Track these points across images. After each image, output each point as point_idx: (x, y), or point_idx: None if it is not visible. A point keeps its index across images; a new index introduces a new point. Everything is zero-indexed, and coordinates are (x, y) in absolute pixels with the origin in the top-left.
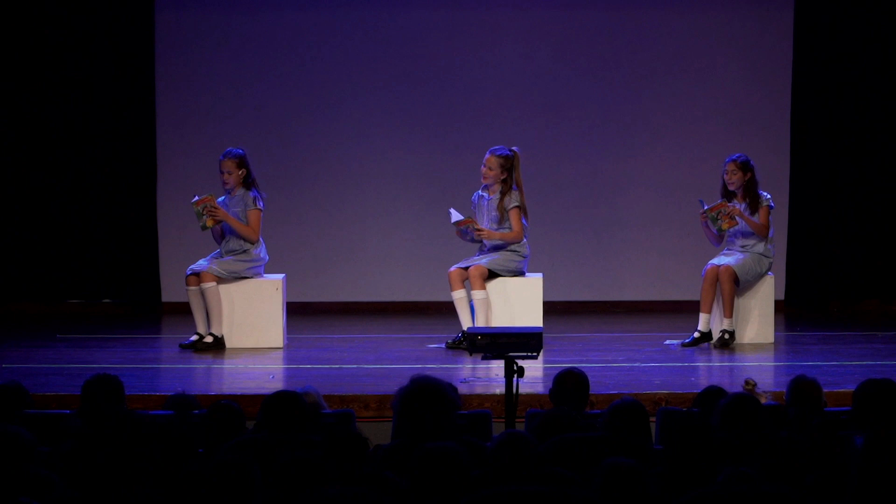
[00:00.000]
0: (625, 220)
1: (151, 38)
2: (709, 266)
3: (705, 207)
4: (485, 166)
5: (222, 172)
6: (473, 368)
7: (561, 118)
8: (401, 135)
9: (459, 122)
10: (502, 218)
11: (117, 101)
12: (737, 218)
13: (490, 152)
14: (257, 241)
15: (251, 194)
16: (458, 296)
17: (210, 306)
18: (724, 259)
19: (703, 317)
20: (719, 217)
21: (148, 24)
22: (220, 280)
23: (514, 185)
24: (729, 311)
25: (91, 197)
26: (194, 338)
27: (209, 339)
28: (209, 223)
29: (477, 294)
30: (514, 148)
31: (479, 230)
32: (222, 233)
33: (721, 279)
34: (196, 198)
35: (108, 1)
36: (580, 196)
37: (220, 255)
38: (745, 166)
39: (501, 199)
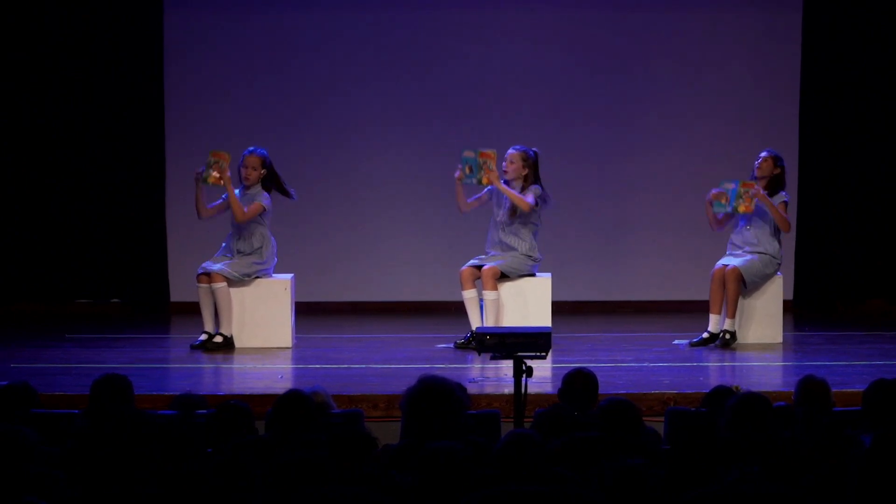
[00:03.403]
0: (633, 221)
1: (160, 37)
2: (717, 267)
3: (735, 184)
4: (506, 161)
5: (245, 167)
6: (482, 368)
7: (569, 118)
8: (409, 134)
9: (467, 121)
10: (514, 213)
11: (126, 100)
12: (755, 204)
13: (513, 148)
14: (242, 221)
15: (263, 194)
16: (469, 295)
17: (220, 306)
18: (732, 260)
19: (712, 318)
20: (742, 196)
21: (156, 24)
22: (230, 281)
23: (537, 184)
24: (732, 312)
25: (100, 197)
26: (203, 337)
27: (219, 339)
28: (211, 179)
29: (488, 295)
30: (535, 149)
31: (490, 170)
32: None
33: (727, 280)
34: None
35: (117, 1)
36: (588, 196)
37: (232, 255)
38: (778, 161)
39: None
